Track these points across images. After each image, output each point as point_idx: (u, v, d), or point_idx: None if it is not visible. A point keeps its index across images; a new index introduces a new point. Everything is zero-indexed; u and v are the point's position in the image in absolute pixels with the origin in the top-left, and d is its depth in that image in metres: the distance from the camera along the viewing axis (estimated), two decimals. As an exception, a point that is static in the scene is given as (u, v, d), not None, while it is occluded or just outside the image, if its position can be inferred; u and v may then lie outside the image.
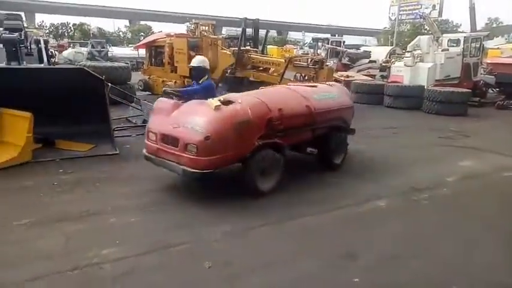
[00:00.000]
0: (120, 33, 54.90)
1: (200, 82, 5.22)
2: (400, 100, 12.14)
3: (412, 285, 3.03)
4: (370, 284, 3.00)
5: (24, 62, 8.08)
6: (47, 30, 45.56)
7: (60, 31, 48.94)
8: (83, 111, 5.76)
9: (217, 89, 11.32)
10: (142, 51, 17.70)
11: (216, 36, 13.48)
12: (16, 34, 8.13)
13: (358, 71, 16.34)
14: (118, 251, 3.29)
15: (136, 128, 7.52)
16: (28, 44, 8.70)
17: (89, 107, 5.61)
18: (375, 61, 17.59)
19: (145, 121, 6.81)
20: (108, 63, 12.80)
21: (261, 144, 4.43)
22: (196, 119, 4.23)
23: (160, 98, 4.88)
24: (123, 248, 3.34)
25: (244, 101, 4.46)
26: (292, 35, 61.39)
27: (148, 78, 13.83)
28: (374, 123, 9.79)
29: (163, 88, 4.99)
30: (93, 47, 18.66)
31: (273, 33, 48.48)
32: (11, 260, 3.13)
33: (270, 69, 11.75)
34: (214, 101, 4.32)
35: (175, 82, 12.45)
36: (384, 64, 16.79)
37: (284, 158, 4.74)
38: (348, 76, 14.01)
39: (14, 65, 7.61)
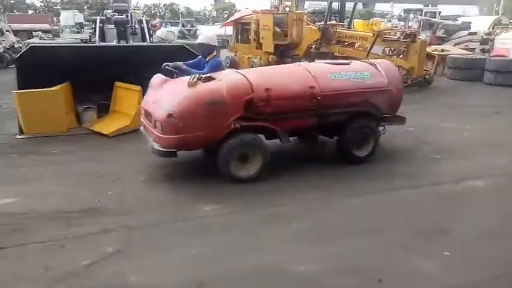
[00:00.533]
0: (206, 11, 57.03)
1: (207, 60, 4.85)
2: (505, 76, 10.91)
3: (502, 262, 2.95)
4: (461, 258, 2.98)
5: (131, 41, 9.03)
6: (142, 11, 49.30)
7: (152, 11, 52.59)
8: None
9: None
10: (229, 30, 18.23)
11: (301, 11, 13.40)
12: (124, 15, 9.10)
13: (455, 44, 14.95)
14: (219, 208, 3.71)
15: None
16: (133, 24, 9.63)
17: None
18: (475, 33, 15.92)
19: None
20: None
21: (238, 126, 4.10)
22: (170, 96, 4.14)
23: (157, 74, 4.67)
24: (223, 206, 3.75)
25: (224, 79, 4.22)
26: (379, 7, 57.52)
27: (234, 55, 14.29)
28: (471, 101, 9.06)
29: (164, 64, 4.63)
30: (183, 26, 19.91)
31: (358, 6, 45.95)
32: (127, 209, 3.71)
33: (355, 43, 11.42)
34: (193, 78, 4.12)
35: (260, 58, 12.75)
36: (486, 36, 15.14)
37: (285, 143, 4.45)
38: (442, 50, 12.96)
39: (123, 43, 8.59)
